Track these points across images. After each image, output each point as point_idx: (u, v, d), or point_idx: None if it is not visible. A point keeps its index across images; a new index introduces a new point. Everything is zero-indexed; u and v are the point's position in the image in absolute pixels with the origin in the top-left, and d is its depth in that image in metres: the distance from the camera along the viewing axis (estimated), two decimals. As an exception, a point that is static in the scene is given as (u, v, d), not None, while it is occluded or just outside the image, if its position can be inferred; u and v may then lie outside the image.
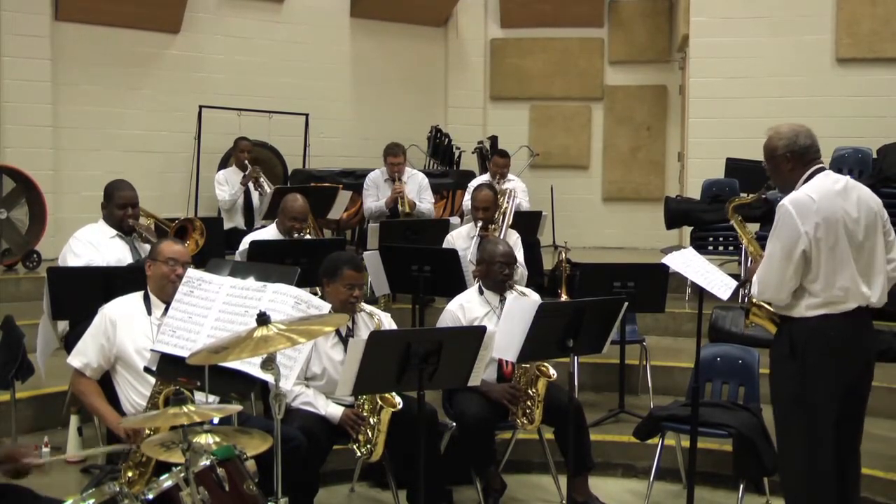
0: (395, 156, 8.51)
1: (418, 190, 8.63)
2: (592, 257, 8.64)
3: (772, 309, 4.41)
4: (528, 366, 5.26)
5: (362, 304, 5.10)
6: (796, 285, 4.11)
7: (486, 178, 9.19)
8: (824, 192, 4.12)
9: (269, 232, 6.75)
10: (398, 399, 4.73)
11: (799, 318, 4.15)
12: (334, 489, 5.66)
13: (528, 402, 5.28)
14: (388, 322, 5.14)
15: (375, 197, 8.62)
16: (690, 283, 6.17)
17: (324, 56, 11.46)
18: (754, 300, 4.47)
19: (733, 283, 4.84)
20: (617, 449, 6.12)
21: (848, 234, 4.10)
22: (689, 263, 4.90)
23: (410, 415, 4.52)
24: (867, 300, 4.14)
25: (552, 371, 5.26)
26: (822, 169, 4.23)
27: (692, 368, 5.36)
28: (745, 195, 5.34)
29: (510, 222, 7.40)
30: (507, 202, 7.67)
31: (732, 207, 4.76)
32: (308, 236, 6.74)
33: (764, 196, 4.92)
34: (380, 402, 4.76)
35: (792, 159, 4.21)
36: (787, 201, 4.12)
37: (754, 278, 4.22)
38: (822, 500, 4.18)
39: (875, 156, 9.09)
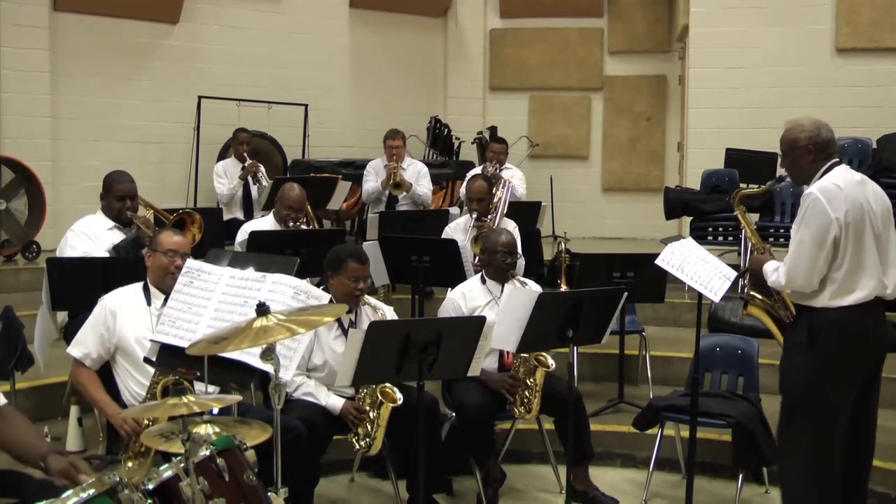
0: (393, 139, 8.57)
1: (417, 177, 8.65)
2: (592, 247, 8.65)
3: (768, 301, 4.43)
4: (526, 356, 5.28)
5: (366, 296, 5.10)
6: (825, 272, 4.12)
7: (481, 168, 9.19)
8: (848, 181, 4.17)
9: (266, 222, 6.74)
10: (399, 395, 4.73)
11: (820, 308, 4.15)
12: (334, 479, 5.67)
13: (527, 392, 5.29)
14: (391, 316, 5.15)
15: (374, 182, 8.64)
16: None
17: (323, 46, 11.44)
18: (752, 292, 4.48)
19: (732, 273, 4.83)
20: (616, 439, 6.12)
21: (871, 222, 4.14)
22: (685, 262, 4.88)
23: (410, 405, 4.53)
24: (885, 290, 4.17)
25: (550, 361, 5.28)
26: (839, 163, 4.25)
27: (691, 358, 5.38)
28: (753, 186, 5.34)
29: (505, 211, 7.41)
30: (501, 191, 7.67)
31: (739, 198, 4.76)
32: (304, 226, 6.74)
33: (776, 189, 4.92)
34: (380, 397, 4.77)
35: (814, 151, 4.23)
36: (816, 189, 4.14)
37: (781, 267, 4.22)
38: (827, 491, 4.20)
39: (874, 146, 9.09)
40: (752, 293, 4.49)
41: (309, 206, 6.99)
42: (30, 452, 3.41)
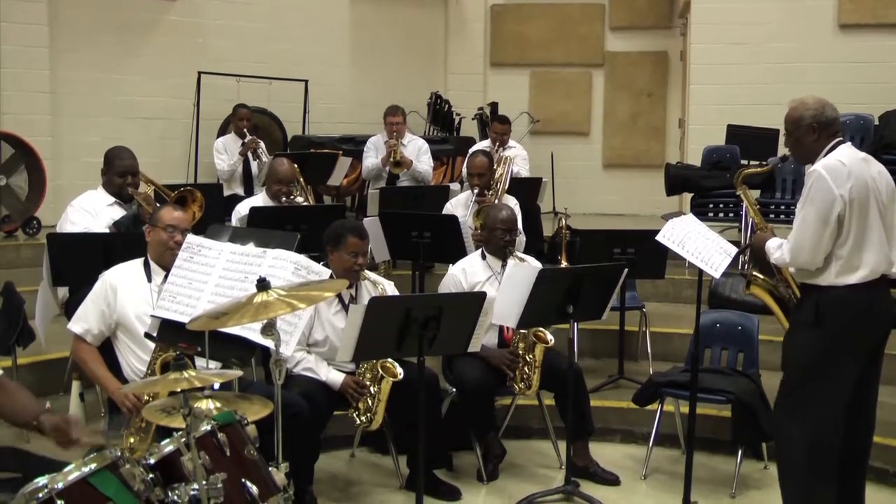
0: (393, 115, 8.54)
1: (417, 153, 8.61)
2: (592, 224, 8.64)
3: (770, 281, 4.42)
4: (525, 332, 5.28)
5: (366, 271, 5.11)
6: (830, 249, 4.11)
7: (485, 144, 9.17)
8: (852, 158, 4.17)
9: (259, 200, 6.72)
10: (399, 369, 4.75)
11: (826, 287, 4.15)
12: (335, 454, 5.69)
13: (526, 368, 5.31)
14: (391, 290, 5.15)
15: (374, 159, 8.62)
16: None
17: (323, 22, 11.38)
18: (753, 272, 4.48)
19: (733, 250, 4.83)
20: (616, 415, 6.14)
21: (876, 199, 4.14)
22: (685, 238, 4.86)
23: (411, 380, 4.54)
24: (891, 268, 4.18)
25: (549, 337, 5.29)
26: (843, 141, 4.25)
27: (691, 334, 5.38)
28: (754, 165, 5.32)
29: (506, 188, 7.40)
30: (503, 168, 7.66)
31: (742, 178, 4.76)
32: (299, 198, 6.73)
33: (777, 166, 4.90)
34: (381, 372, 4.78)
35: (818, 130, 4.22)
36: (820, 167, 4.13)
37: (785, 244, 4.21)
38: (823, 468, 4.21)
39: (877, 122, 9.07)
40: (754, 273, 4.48)
41: (302, 178, 6.99)
42: (25, 413, 3.43)
